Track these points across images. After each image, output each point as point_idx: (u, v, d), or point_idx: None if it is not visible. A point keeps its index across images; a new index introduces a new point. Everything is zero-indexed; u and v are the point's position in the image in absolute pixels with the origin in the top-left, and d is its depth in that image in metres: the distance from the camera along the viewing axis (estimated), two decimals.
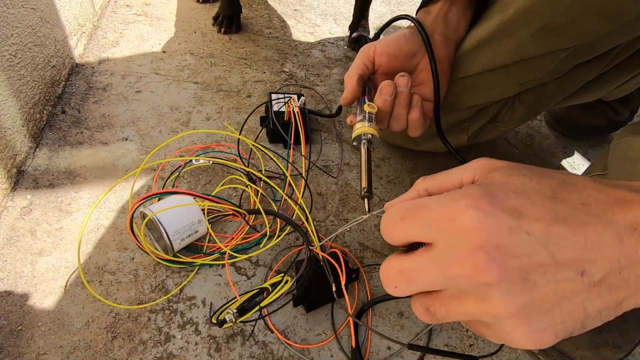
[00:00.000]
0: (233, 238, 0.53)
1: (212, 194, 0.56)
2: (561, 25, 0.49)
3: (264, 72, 0.84)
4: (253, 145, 0.58)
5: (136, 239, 0.46)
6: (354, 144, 0.45)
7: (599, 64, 0.60)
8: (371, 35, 0.99)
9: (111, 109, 0.68)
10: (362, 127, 0.44)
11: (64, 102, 0.67)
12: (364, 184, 0.39)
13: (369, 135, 0.43)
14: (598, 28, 0.49)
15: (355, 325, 0.46)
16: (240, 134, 0.55)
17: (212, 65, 0.82)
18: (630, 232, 0.18)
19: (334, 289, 0.38)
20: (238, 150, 0.57)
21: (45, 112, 0.63)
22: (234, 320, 0.38)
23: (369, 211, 0.37)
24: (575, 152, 0.84)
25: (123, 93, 0.72)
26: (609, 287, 0.18)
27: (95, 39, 0.81)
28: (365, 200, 0.38)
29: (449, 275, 0.19)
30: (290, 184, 0.56)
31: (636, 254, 0.18)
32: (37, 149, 0.60)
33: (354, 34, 0.95)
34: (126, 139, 0.64)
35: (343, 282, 0.40)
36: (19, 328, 0.43)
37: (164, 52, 0.83)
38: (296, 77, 0.85)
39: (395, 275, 0.21)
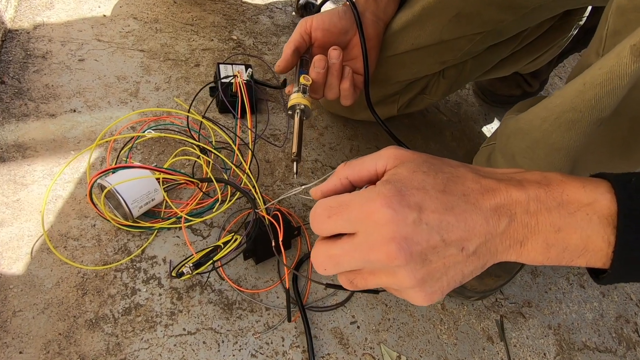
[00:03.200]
0: (188, 204, 0.59)
1: (166, 166, 0.60)
2: (471, 14, 0.56)
3: (212, 40, 0.85)
4: (203, 118, 0.62)
5: (96, 208, 0.51)
6: (289, 112, 0.50)
7: (509, 45, 0.69)
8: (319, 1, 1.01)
9: (54, 78, 0.68)
10: (296, 98, 0.49)
11: (2, 71, 0.66)
12: (294, 149, 0.46)
13: (302, 106, 0.49)
14: (502, 17, 0.58)
15: (294, 275, 0.56)
16: (190, 109, 0.59)
17: (157, 31, 0.82)
18: (493, 214, 0.24)
19: (272, 244, 0.46)
20: (187, 125, 0.61)
21: None
22: (190, 272, 0.45)
23: (296, 173, 0.46)
24: (494, 119, 0.96)
25: (65, 62, 0.71)
26: (478, 255, 0.25)
27: (26, 0, 0.77)
28: (294, 163, 0.45)
29: (368, 259, 0.24)
30: (237, 155, 0.62)
31: (496, 230, 0.24)
32: None
33: (301, 0, 0.97)
34: (74, 111, 0.65)
35: (280, 239, 0.48)
36: None
37: (105, 16, 0.80)
38: (244, 45, 0.86)
39: (324, 260, 0.26)
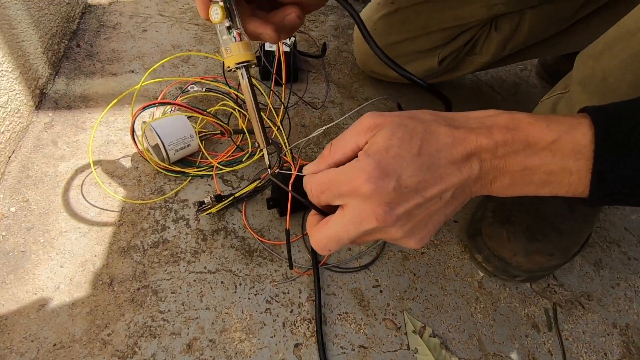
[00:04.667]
0: (221, 155, 0.61)
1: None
2: None
3: None
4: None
5: (136, 144, 0.55)
6: (232, 70, 0.37)
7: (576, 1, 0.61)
8: None
9: (120, 45, 0.76)
10: (234, 55, 0.36)
11: (79, 37, 0.75)
12: (258, 136, 0.37)
13: (247, 64, 0.36)
14: None
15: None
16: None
17: None
18: (465, 162, 0.27)
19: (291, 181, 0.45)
20: (224, 78, 0.63)
21: (62, 44, 0.71)
22: (211, 202, 0.46)
23: (270, 167, 0.40)
24: None
25: (130, 31, 0.79)
26: (456, 198, 0.28)
27: None
28: (265, 150, 0.38)
29: (362, 229, 0.27)
30: (271, 110, 0.63)
31: (470, 176, 0.27)
32: (56, 77, 0.68)
33: None
34: (133, 72, 0.72)
35: (292, 180, 0.45)
36: (46, 212, 0.53)
37: None
38: None
39: (325, 242, 0.29)
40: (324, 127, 0.38)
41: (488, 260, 0.56)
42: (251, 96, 0.38)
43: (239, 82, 0.38)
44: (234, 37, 0.36)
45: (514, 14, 0.63)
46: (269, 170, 0.39)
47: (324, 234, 0.30)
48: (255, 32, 0.38)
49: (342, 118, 0.35)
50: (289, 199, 0.45)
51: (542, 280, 0.58)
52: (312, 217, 0.33)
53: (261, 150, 0.60)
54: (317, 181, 0.29)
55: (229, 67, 0.37)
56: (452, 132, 0.28)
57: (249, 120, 0.65)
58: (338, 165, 0.30)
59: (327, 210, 0.32)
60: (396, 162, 0.27)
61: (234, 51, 0.36)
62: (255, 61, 0.37)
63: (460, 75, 0.74)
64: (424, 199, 0.27)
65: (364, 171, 0.27)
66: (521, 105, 0.85)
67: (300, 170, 0.50)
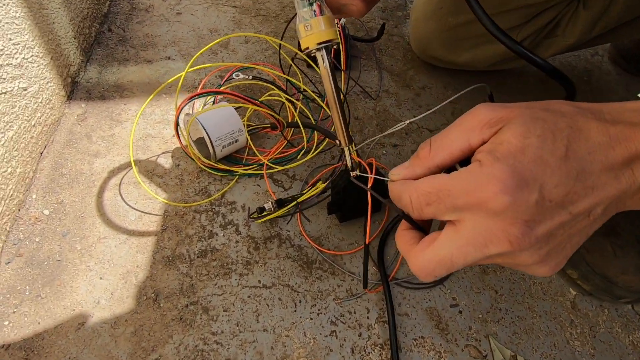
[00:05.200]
0: (271, 152, 0.54)
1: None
2: None
3: None
4: (292, 62, 0.57)
5: (179, 139, 0.49)
6: (312, 54, 0.31)
7: None
8: None
9: (154, 29, 0.69)
10: (315, 33, 0.29)
11: (110, 21, 0.69)
12: (339, 133, 0.31)
13: (329, 43, 0.29)
14: None
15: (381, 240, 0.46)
16: (282, 40, 0.54)
17: None
18: (626, 168, 0.21)
19: (369, 182, 0.37)
20: (280, 62, 0.56)
21: (93, 28, 0.65)
22: (272, 208, 0.39)
23: (352, 165, 0.33)
24: (639, 90, 0.76)
25: (164, 14, 0.72)
26: (606, 215, 0.22)
27: None
28: (346, 149, 0.32)
29: (487, 253, 0.21)
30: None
31: (630, 188, 0.21)
32: (88, 64, 0.62)
33: None
34: (169, 58, 0.65)
35: (370, 184, 0.39)
36: (82, 215, 0.48)
37: None
38: None
39: (433, 267, 0.23)
40: (408, 121, 0.30)
41: (586, 277, 0.47)
42: (332, 84, 0.31)
43: (313, 67, 0.31)
44: (314, 11, 0.29)
45: None
46: (351, 173, 0.32)
47: (431, 257, 0.23)
48: (338, 3, 0.31)
49: (422, 115, 0.27)
50: (369, 206, 0.38)
51: None
52: (404, 232, 0.26)
53: (318, 145, 0.53)
54: (420, 189, 0.23)
55: (307, 48, 0.30)
56: (606, 128, 0.21)
57: (301, 112, 0.58)
58: (440, 169, 0.23)
59: (422, 224, 0.25)
60: (537, 167, 0.20)
61: (315, 28, 0.29)
62: (338, 40, 0.30)
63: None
64: (570, 216, 0.21)
65: (495, 179, 0.20)
66: (595, 95, 0.75)
67: (377, 173, 0.43)
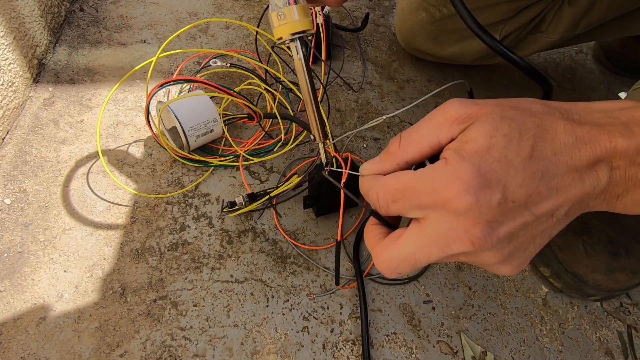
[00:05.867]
0: (248, 143, 0.53)
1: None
2: None
3: None
4: (272, 51, 0.56)
5: (151, 128, 0.47)
6: (285, 42, 0.29)
7: None
8: None
9: (129, 10, 0.66)
10: (288, 23, 0.28)
11: (82, 0, 0.65)
12: (314, 127, 0.30)
13: (303, 34, 0.28)
14: None
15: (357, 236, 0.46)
16: (258, 27, 0.52)
17: None
18: (590, 170, 0.20)
19: (342, 183, 0.37)
20: (257, 51, 0.54)
21: (63, 7, 0.61)
22: (243, 203, 0.38)
23: (326, 164, 0.33)
24: (620, 90, 0.77)
25: None
26: (568, 215, 0.22)
27: None
28: (321, 145, 0.31)
29: (449, 252, 0.21)
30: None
31: (594, 190, 0.21)
32: (57, 45, 0.59)
33: None
34: (144, 42, 0.63)
35: (343, 180, 0.38)
36: (46, 205, 0.45)
37: None
38: None
39: (397, 264, 0.22)
40: (384, 117, 0.29)
41: (558, 275, 0.48)
42: (307, 76, 0.29)
43: (289, 57, 0.29)
44: (288, 0, 0.27)
45: None
46: (325, 168, 0.31)
47: (395, 254, 0.23)
48: None
49: (403, 109, 0.26)
50: (341, 202, 0.37)
51: (614, 299, 0.50)
52: (372, 227, 0.25)
53: (296, 138, 0.52)
54: (387, 186, 0.22)
55: (280, 38, 0.28)
56: (573, 128, 0.21)
57: (280, 103, 0.56)
58: (410, 164, 0.23)
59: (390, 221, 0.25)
60: (502, 167, 0.20)
61: (288, 17, 0.28)
62: (313, 31, 0.29)
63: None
64: (533, 217, 0.21)
65: (458, 179, 0.20)
66: (578, 92, 0.75)
67: (353, 167, 0.42)
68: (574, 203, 0.21)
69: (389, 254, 0.23)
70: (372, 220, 0.25)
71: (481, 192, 0.20)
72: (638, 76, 0.81)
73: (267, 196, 0.39)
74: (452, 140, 0.22)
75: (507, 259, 0.22)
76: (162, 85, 0.41)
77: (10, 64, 0.49)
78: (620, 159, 0.21)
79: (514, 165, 0.20)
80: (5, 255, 0.42)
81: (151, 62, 0.43)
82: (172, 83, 0.43)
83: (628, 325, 0.49)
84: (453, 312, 0.46)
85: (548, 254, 0.48)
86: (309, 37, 0.29)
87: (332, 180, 0.27)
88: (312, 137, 0.33)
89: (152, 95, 0.42)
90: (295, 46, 0.29)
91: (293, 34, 0.28)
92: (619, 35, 0.67)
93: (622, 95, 0.79)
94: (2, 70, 0.47)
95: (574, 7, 0.55)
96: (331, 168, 0.32)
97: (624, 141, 0.20)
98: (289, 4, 0.28)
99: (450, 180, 0.20)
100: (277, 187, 0.43)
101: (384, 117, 0.29)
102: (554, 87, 0.32)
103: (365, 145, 0.58)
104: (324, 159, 0.31)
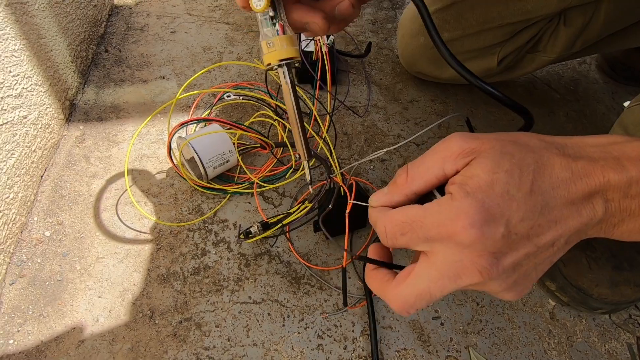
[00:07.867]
0: (261, 170, 0.56)
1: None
2: None
3: None
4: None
5: (172, 162, 0.51)
6: (274, 68, 0.32)
7: None
8: None
9: (149, 48, 0.71)
10: (277, 51, 0.30)
11: (106, 41, 0.71)
12: (299, 147, 0.32)
13: (291, 62, 0.31)
14: None
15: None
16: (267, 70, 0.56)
17: None
18: (587, 203, 0.22)
19: (347, 209, 0.40)
20: (266, 85, 0.58)
21: (90, 50, 0.67)
22: (258, 232, 0.42)
23: (311, 182, 0.35)
24: (625, 99, 0.78)
25: (159, 33, 0.74)
26: (568, 244, 0.23)
27: None
28: (305, 163, 0.33)
29: (460, 284, 0.23)
30: (315, 119, 0.57)
31: (591, 221, 0.22)
32: (86, 85, 0.65)
33: None
34: (163, 77, 0.68)
35: (348, 210, 0.41)
36: (81, 235, 0.50)
37: None
38: None
39: (414, 301, 0.24)
40: (384, 150, 0.32)
41: (563, 289, 0.49)
42: (293, 100, 0.32)
43: (280, 86, 0.32)
44: (277, 30, 0.30)
45: (588, 4, 0.55)
46: (309, 186, 0.34)
47: (410, 291, 0.24)
48: (300, 22, 0.32)
49: (411, 138, 0.28)
50: (346, 235, 0.40)
51: (623, 311, 0.51)
52: (372, 272, 0.27)
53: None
54: (395, 220, 0.24)
55: (269, 64, 0.31)
56: (569, 163, 0.23)
57: (290, 130, 0.60)
58: (418, 195, 0.25)
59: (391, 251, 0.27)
60: (504, 202, 0.22)
61: (277, 46, 0.30)
62: (300, 58, 0.32)
63: (519, 75, 0.67)
64: (535, 248, 0.22)
65: (464, 214, 0.22)
66: (582, 104, 0.76)
67: (360, 198, 0.45)
68: (573, 233, 0.22)
69: (403, 292, 0.24)
70: (369, 266, 0.27)
71: (486, 226, 0.21)
72: None
73: (280, 224, 0.43)
74: (457, 172, 0.23)
75: (512, 287, 0.23)
76: (181, 125, 0.45)
77: (47, 108, 0.54)
78: (613, 192, 0.22)
79: (515, 200, 0.22)
80: (47, 283, 0.46)
81: (171, 103, 0.47)
82: (188, 124, 0.47)
83: (637, 337, 0.49)
84: (461, 328, 0.48)
85: (553, 268, 0.50)
86: (296, 64, 0.32)
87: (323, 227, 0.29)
88: (297, 155, 0.35)
89: (174, 135, 0.46)
90: (283, 72, 0.31)
91: (280, 61, 0.30)
92: (619, 47, 0.68)
93: (627, 104, 0.80)
94: (40, 115, 0.53)
95: (570, 27, 0.57)
96: (357, 202, 0.34)
97: (615, 175, 0.22)
98: (278, 34, 0.30)
99: (456, 215, 0.21)
100: (289, 214, 0.47)
101: (382, 151, 0.32)
102: (534, 122, 0.34)
103: (372, 167, 0.61)
104: (308, 177, 0.35)
